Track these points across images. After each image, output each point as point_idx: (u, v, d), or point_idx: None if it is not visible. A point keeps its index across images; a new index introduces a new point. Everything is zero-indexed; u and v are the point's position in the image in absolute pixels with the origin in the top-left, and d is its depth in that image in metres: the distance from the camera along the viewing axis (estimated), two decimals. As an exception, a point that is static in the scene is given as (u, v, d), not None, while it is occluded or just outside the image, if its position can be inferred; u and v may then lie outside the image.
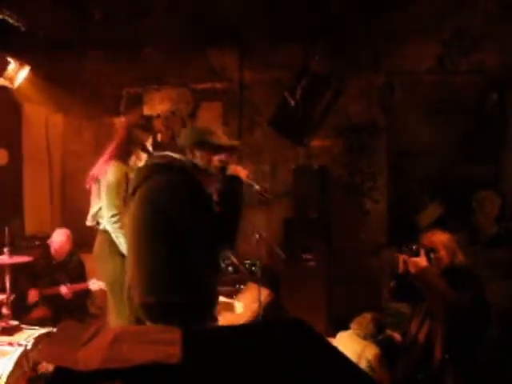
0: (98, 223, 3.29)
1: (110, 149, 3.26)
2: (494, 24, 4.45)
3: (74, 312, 4.04)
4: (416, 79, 4.79)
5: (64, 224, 5.38)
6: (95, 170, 3.25)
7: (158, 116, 5.66)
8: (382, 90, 4.88)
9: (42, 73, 5.14)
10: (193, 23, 4.88)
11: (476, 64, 4.60)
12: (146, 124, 4.07)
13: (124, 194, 3.02)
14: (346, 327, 3.41)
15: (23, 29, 4.86)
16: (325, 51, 4.54)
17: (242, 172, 2.32)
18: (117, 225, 3.08)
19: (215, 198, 2.20)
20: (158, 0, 4.82)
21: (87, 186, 3.36)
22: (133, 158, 3.28)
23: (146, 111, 5.72)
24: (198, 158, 2.26)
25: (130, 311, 2.18)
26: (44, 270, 4.19)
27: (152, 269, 2.11)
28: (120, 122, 5.69)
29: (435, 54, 4.70)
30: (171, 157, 2.28)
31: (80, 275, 4.29)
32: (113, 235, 3.11)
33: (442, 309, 2.59)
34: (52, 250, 4.30)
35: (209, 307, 2.19)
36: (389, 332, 3.30)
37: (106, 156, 3.24)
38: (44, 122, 5.50)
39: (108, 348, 1.49)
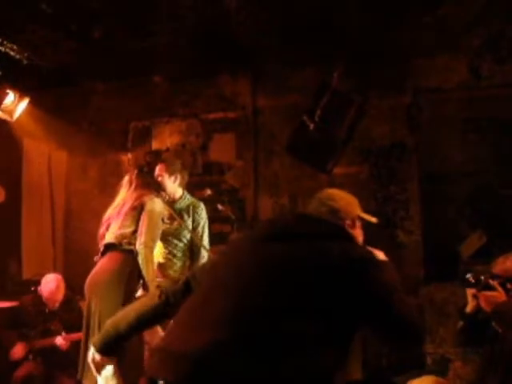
0: (129, 243, 3.18)
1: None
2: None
3: (70, 367, 3.51)
4: (445, 95, 4.36)
5: (67, 267, 4.99)
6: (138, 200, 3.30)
7: (167, 150, 5.30)
8: (409, 110, 4.45)
9: (44, 107, 4.88)
10: (201, 48, 4.56)
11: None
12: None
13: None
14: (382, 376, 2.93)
15: (25, 62, 4.68)
16: (345, 68, 4.16)
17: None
18: (150, 253, 3.13)
19: None
20: (164, 24, 4.52)
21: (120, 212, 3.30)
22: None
23: (155, 145, 5.37)
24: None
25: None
26: (35, 320, 3.70)
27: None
28: (128, 158, 5.38)
29: (466, 66, 4.28)
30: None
31: (79, 325, 3.79)
32: (142, 261, 3.08)
33: None
34: (43, 297, 3.83)
35: None
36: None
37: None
38: (46, 159, 5.18)
39: None
